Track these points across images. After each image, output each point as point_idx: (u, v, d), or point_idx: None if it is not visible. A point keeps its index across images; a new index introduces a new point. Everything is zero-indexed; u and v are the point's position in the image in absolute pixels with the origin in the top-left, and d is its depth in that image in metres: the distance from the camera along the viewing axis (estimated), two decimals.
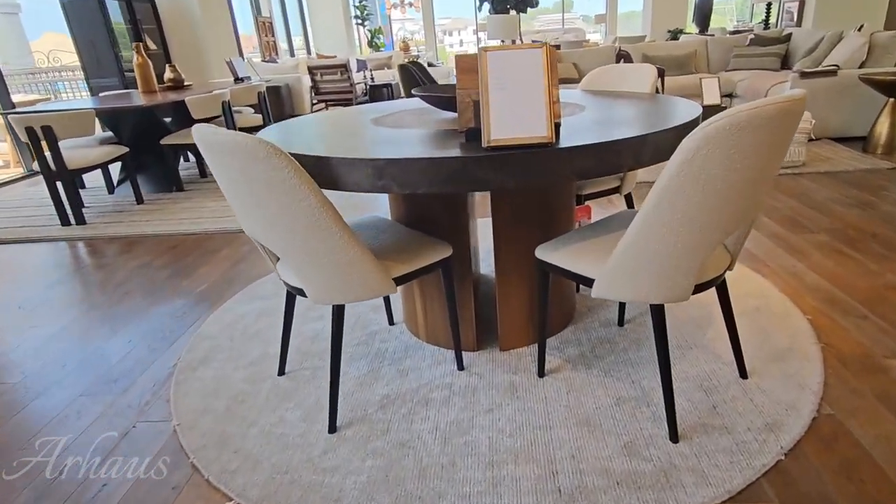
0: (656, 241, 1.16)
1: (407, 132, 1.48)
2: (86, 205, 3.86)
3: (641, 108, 1.61)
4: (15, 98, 5.68)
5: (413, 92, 1.72)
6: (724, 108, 4.17)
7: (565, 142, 1.21)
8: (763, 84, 4.68)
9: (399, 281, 1.41)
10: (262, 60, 8.50)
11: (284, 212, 1.22)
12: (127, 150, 3.66)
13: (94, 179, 4.53)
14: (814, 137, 4.25)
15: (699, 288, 1.29)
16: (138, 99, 3.93)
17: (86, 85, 5.79)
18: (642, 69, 2.14)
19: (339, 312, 1.41)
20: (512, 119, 1.18)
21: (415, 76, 4.12)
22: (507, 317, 1.73)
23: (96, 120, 3.69)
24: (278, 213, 1.23)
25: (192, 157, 4.94)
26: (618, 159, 1.23)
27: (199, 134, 1.23)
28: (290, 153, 1.35)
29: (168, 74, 4.55)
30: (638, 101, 1.77)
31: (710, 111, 4.18)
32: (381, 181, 1.22)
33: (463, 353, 1.76)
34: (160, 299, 2.36)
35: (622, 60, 4.68)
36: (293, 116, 7.70)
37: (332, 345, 1.41)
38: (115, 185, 4.14)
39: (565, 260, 1.40)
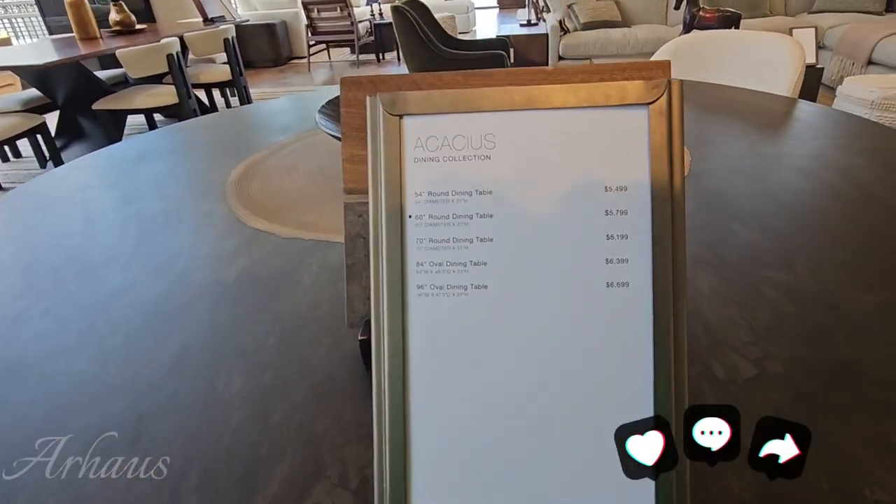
0: None
1: (255, 255, 0.57)
2: (4, 185, 3.02)
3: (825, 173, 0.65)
4: None
5: (319, 116, 0.77)
6: (821, 69, 3.04)
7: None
8: (867, 36, 3.46)
9: None
10: None
11: None
12: (42, 120, 2.76)
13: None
14: None
15: None
16: (72, 49, 2.99)
17: (42, 23, 4.79)
18: (777, 45, 1.13)
19: None
20: (494, 431, 0.27)
21: (412, 22, 3.05)
22: None
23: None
24: None
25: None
26: None
27: None
28: None
29: (114, 15, 3.54)
30: (796, 136, 0.79)
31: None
32: None
33: None
34: None
35: (683, 1, 3.49)
36: (291, 59, 6.61)
37: None
38: (46, 157, 3.28)
39: None
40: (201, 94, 3.75)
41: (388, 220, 0.26)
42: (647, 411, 0.26)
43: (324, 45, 6.19)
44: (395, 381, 0.26)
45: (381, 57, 6.26)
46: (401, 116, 0.26)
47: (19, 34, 6.65)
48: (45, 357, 0.43)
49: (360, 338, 0.39)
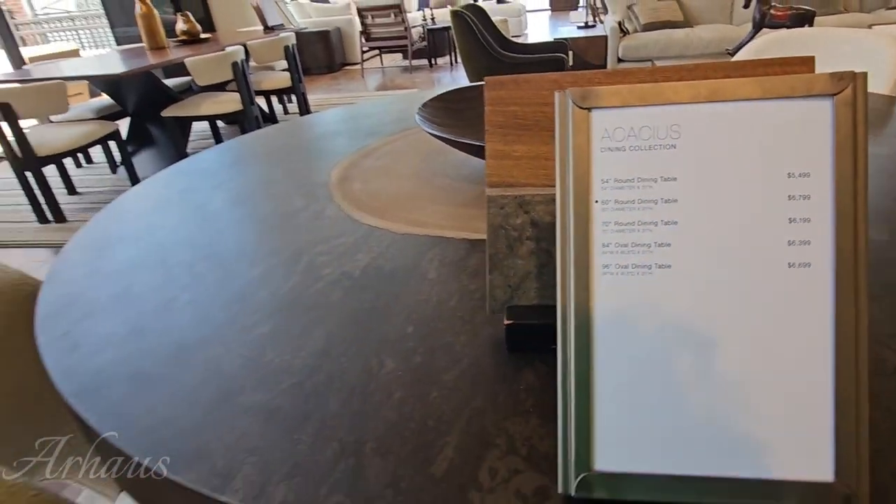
0: None
1: (376, 249, 0.61)
2: (79, 190, 3.25)
3: None
4: (42, 49, 5.14)
5: (418, 115, 0.82)
6: None
7: None
8: None
9: None
10: (314, 0, 7.57)
11: None
12: (116, 126, 2.97)
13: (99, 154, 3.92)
14: None
15: None
16: (141, 59, 3.21)
17: (111, 34, 5.13)
18: (874, 42, 1.11)
19: None
20: (677, 393, 0.30)
21: (472, 27, 3.11)
22: None
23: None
24: None
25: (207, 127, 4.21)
26: None
27: None
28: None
29: (181, 25, 3.77)
30: None
31: None
32: None
33: None
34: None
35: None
36: (345, 66, 6.82)
37: None
38: (116, 163, 3.51)
39: None
40: (261, 101, 3.93)
41: (576, 206, 0.30)
42: (825, 385, 0.28)
43: (377, 51, 6.36)
44: (581, 355, 0.29)
45: (433, 62, 6.38)
46: (590, 109, 0.29)
47: (86, 45, 7.15)
48: (203, 342, 0.48)
49: (506, 322, 0.42)
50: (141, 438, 0.38)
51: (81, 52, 5.05)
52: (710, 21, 4.75)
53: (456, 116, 0.89)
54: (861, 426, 0.27)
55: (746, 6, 3.56)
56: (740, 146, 0.28)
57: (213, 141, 3.78)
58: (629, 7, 4.82)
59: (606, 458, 0.29)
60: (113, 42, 6.92)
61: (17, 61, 4.22)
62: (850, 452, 0.27)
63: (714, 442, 0.28)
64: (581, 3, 11.94)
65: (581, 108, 0.29)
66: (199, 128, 4.18)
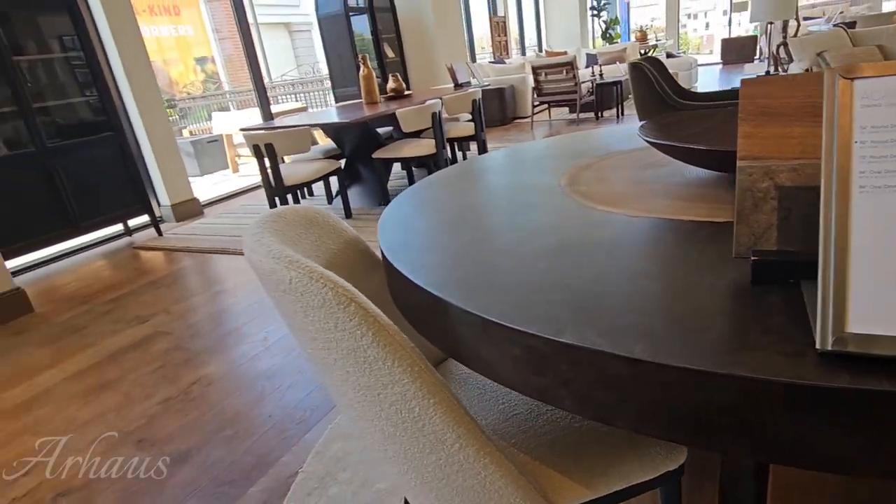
0: None
1: (617, 223, 0.76)
2: None
3: None
4: (277, 107, 6.28)
5: (640, 133, 0.97)
6: None
7: None
8: None
9: None
10: (491, 61, 8.20)
11: (365, 398, 0.64)
12: (339, 165, 3.55)
13: (321, 188, 4.65)
14: None
15: None
16: (359, 111, 3.82)
17: (328, 95, 6.12)
18: None
19: None
20: None
21: (649, 77, 3.20)
22: None
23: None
24: (356, 399, 0.65)
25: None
26: None
27: (247, 254, 0.70)
28: (399, 273, 0.76)
29: (390, 84, 4.40)
30: None
31: None
32: (541, 378, 0.54)
33: None
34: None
35: None
36: (515, 119, 7.23)
37: None
38: (333, 196, 4.14)
39: None
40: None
41: (840, 145, 0.42)
42: None
43: (545, 106, 6.66)
44: (840, 248, 0.41)
45: (599, 115, 6.49)
46: (852, 79, 0.42)
47: (306, 105, 8.58)
48: (500, 269, 0.67)
49: (753, 258, 0.54)
50: (479, 302, 0.56)
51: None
52: None
53: (667, 132, 1.02)
54: None
55: None
56: None
57: (406, 181, 4.29)
58: (819, 54, 4.51)
59: (856, 323, 0.40)
60: (324, 102, 8.15)
61: (267, 115, 5.24)
62: None
63: None
64: (757, 56, 11.23)
65: (846, 78, 0.42)
66: (394, 169, 4.76)
